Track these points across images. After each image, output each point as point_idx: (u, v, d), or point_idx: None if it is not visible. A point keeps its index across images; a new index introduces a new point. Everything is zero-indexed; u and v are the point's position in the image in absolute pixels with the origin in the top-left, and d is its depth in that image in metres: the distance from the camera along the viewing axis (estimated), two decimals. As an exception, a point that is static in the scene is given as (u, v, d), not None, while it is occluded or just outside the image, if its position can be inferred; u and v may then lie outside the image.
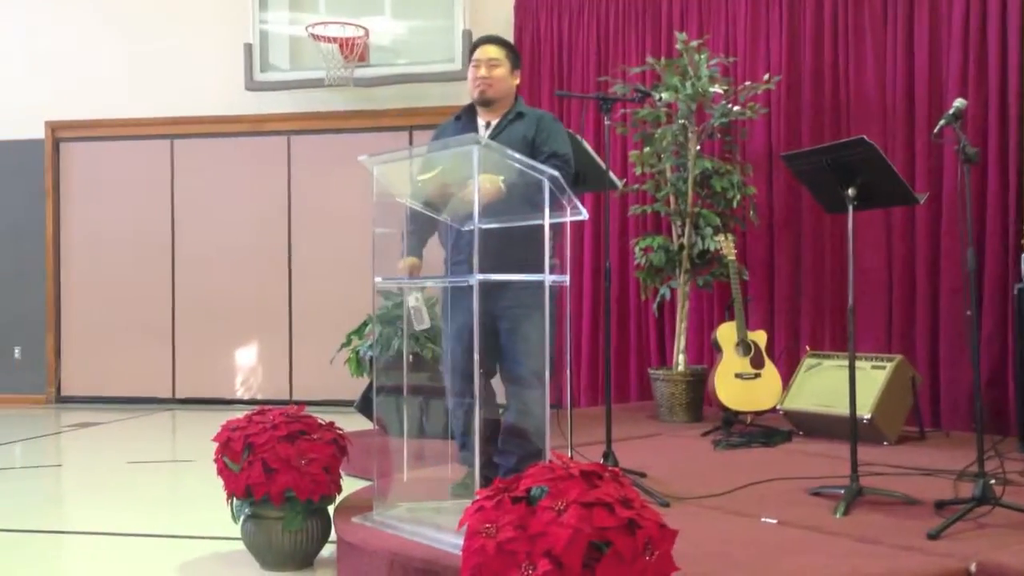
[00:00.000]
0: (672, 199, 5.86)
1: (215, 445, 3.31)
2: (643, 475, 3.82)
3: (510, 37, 7.21)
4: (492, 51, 3.67)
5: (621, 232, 6.58)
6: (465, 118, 3.76)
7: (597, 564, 2.05)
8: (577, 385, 6.78)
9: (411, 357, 5.11)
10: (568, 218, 3.07)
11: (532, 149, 3.56)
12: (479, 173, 2.98)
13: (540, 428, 3.34)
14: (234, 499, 3.31)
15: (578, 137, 4.74)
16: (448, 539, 2.80)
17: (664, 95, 5.57)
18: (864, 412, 4.68)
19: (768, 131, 6.20)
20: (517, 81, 3.74)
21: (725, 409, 5.28)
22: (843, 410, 4.33)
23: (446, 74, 7.31)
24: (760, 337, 5.46)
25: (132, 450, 6.03)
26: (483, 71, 3.66)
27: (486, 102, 3.68)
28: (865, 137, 3.40)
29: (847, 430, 3.52)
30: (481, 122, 3.72)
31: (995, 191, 5.29)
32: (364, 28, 7.25)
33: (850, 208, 3.47)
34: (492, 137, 3.60)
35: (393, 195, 3.49)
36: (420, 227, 3.67)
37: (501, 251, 3.07)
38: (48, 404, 8.22)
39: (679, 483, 3.83)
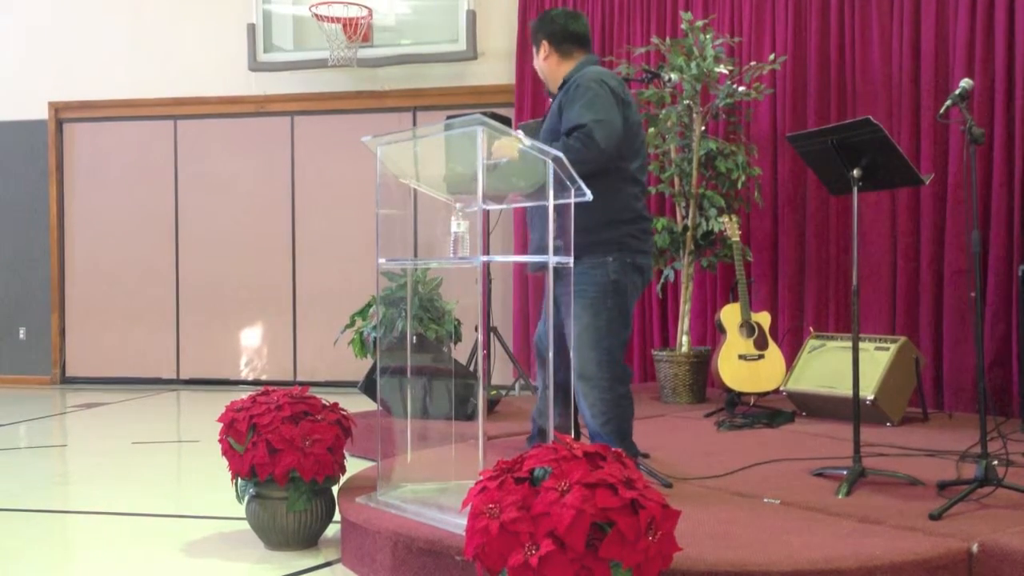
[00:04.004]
0: (676, 180, 5.85)
1: (220, 426, 3.32)
2: (646, 456, 3.83)
3: (514, 18, 7.22)
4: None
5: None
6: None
7: (600, 544, 2.06)
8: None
9: (415, 338, 5.12)
10: (572, 199, 3.06)
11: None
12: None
13: (589, 422, 3.43)
14: (239, 479, 3.33)
15: None
16: (451, 519, 2.81)
17: (671, 75, 5.55)
18: (867, 393, 4.68)
19: (773, 111, 6.17)
20: (548, 54, 3.66)
21: (728, 390, 5.28)
22: (846, 391, 4.33)
23: (450, 54, 7.29)
24: (764, 318, 5.45)
25: (137, 430, 6.05)
26: None
27: (550, 92, 3.75)
28: (871, 118, 3.38)
29: (850, 411, 3.52)
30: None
31: (1000, 172, 5.26)
32: (368, 8, 7.22)
33: (855, 189, 3.46)
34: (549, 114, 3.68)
35: (397, 176, 3.48)
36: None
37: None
38: (53, 384, 8.25)
39: (682, 464, 3.84)
